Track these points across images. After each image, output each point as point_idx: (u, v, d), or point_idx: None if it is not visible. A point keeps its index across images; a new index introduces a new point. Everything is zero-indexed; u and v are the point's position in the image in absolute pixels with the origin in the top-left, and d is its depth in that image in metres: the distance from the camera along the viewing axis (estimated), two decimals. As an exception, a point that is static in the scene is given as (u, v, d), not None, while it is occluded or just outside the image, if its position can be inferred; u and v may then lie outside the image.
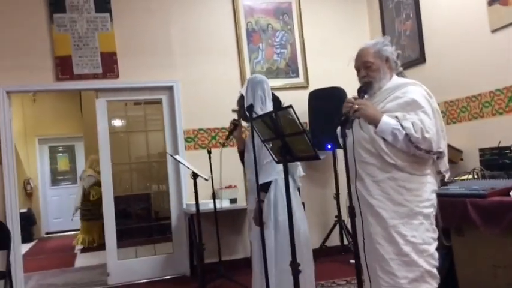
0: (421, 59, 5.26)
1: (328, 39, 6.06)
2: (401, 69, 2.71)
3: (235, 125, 3.40)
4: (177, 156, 3.40)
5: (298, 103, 5.71)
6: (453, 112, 4.85)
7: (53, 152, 11.23)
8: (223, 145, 3.58)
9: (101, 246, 5.69)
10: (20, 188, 9.98)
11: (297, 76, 5.94)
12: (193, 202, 5.06)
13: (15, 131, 9.89)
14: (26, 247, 8.97)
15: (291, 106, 2.25)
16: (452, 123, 4.86)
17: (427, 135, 2.29)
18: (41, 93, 9.19)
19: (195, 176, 3.45)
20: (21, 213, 9.46)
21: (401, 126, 2.33)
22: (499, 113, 4.28)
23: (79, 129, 9.63)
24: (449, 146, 4.61)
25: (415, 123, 2.31)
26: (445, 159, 2.53)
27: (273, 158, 2.63)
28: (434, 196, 2.48)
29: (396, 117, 2.38)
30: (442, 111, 4.96)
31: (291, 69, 5.96)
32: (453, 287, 3.72)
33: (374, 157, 2.44)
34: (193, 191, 4.14)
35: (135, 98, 5.45)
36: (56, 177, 11.18)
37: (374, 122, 2.40)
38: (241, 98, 3.33)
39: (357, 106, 2.38)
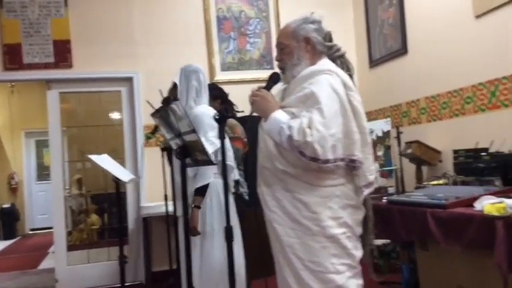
0: (403, 49, 4.76)
1: (307, 29, 5.57)
2: (341, 52, 2.18)
3: None
4: (93, 157, 3.00)
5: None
6: (434, 109, 4.35)
7: (40, 146, 10.90)
8: (148, 139, 3.15)
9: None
10: (4, 183, 9.77)
11: (272, 68, 5.45)
12: (148, 204, 4.70)
13: (0, 124, 9.75)
14: (4, 244, 8.73)
15: (175, 98, 1.83)
16: (433, 121, 4.36)
17: (309, 138, 1.80)
18: (26, 84, 8.86)
19: (117, 179, 3.06)
20: (4, 209, 9.41)
21: (289, 125, 1.87)
22: (481, 110, 3.78)
23: (67, 123, 9.33)
24: (427, 146, 4.17)
25: (301, 122, 1.84)
26: (365, 169, 2.00)
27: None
28: (346, 213, 1.96)
29: (293, 113, 1.93)
30: (422, 108, 4.52)
31: (265, 61, 5.51)
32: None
33: (268, 160, 2.00)
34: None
35: (91, 89, 5.04)
36: (42, 172, 10.85)
37: (265, 117, 1.97)
38: (173, 88, 2.92)
39: (252, 99, 1.96)
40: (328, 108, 1.86)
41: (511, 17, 3.42)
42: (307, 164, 1.86)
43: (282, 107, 1.99)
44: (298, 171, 1.92)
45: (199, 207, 2.81)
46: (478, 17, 3.76)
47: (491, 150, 3.25)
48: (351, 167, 1.98)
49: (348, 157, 1.93)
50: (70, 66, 4.84)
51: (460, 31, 3.96)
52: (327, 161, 1.85)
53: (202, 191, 2.79)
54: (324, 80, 1.95)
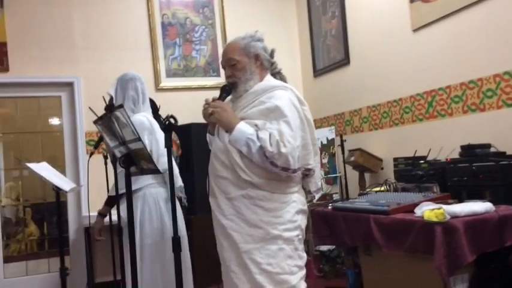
0: (345, 60, 4.91)
1: (253, 37, 5.63)
2: (278, 68, 2.33)
3: None
4: (31, 165, 2.87)
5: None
6: (375, 118, 4.50)
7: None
8: (95, 149, 3.09)
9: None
10: None
11: (218, 75, 5.47)
12: (91, 214, 4.53)
13: None
14: None
15: (121, 106, 1.79)
16: (374, 130, 4.52)
17: (283, 149, 1.91)
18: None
19: (57, 189, 2.95)
20: None
21: (257, 136, 1.94)
22: (419, 120, 3.96)
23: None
24: (369, 154, 4.31)
25: (272, 134, 1.93)
26: (316, 176, 2.18)
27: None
28: (300, 217, 2.11)
29: (256, 125, 1.99)
30: (364, 117, 4.67)
31: (211, 68, 5.50)
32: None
33: (229, 171, 2.05)
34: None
35: (28, 94, 4.83)
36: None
37: (229, 129, 2.02)
38: (110, 99, 2.86)
39: (211, 109, 1.98)
40: (293, 121, 1.98)
41: (445, 32, 3.62)
42: (277, 173, 1.96)
43: (242, 119, 2.04)
44: (261, 181, 2.00)
45: (104, 216, 2.91)
46: (415, 30, 3.95)
47: (429, 158, 3.40)
48: (304, 174, 2.12)
49: (304, 166, 2.07)
50: (6, 69, 4.62)
51: (399, 44, 4.14)
52: (295, 171, 2.00)
53: (113, 200, 2.79)
54: (283, 95, 2.06)
